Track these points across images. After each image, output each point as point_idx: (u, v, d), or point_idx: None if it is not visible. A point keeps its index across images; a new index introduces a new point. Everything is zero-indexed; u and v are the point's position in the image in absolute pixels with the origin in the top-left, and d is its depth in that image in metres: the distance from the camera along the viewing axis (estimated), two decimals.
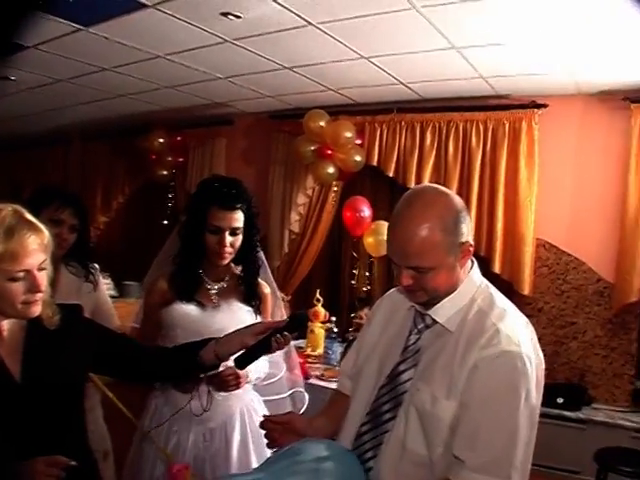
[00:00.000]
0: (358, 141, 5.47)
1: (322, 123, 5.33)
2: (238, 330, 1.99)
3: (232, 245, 2.54)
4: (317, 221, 5.93)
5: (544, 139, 4.94)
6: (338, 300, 5.78)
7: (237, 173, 6.38)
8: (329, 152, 5.34)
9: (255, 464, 2.59)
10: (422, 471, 1.67)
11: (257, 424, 2.62)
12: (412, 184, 5.30)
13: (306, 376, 4.06)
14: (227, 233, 2.50)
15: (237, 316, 2.58)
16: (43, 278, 1.72)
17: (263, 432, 2.10)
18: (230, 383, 2.52)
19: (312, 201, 5.97)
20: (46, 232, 1.73)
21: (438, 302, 1.75)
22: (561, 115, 4.95)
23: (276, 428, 1.97)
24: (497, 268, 4.96)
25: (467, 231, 1.72)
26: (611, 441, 4.22)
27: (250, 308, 2.69)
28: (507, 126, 5.01)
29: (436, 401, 1.64)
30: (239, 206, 2.53)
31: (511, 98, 5.08)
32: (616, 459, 3.92)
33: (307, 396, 3.12)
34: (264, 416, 2.05)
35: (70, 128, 7.41)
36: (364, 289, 5.20)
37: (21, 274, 1.66)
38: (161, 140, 6.59)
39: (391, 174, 5.49)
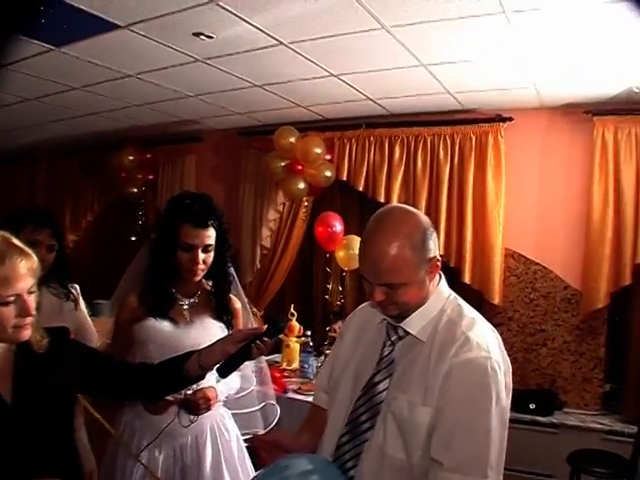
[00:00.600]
0: (328, 156, 5.54)
1: (292, 139, 5.39)
2: (219, 340, 2.01)
3: (204, 262, 2.55)
4: (288, 236, 5.97)
5: (510, 152, 5.06)
6: (311, 314, 5.82)
7: (207, 189, 6.36)
8: (299, 168, 5.39)
9: (228, 478, 2.65)
10: (402, 475, 1.74)
11: (227, 439, 2.73)
12: (382, 198, 5.42)
13: (283, 390, 4.14)
14: (200, 250, 2.51)
15: (210, 332, 2.58)
16: (33, 302, 1.74)
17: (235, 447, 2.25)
18: (201, 407, 2.55)
19: (283, 216, 6.01)
20: (34, 257, 1.76)
21: (409, 315, 1.83)
22: (526, 128, 5.08)
23: (265, 447, 2.02)
24: (467, 278, 5.07)
25: (434, 247, 1.80)
26: (583, 444, 4.34)
27: (222, 324, 2.71)
28: (474, 140, 5.13)
29: (413, 407, 1.72)
30: (211, 223, 2.54)
31: (477, 112, 5.20)
32: (588, 461, 4.05)
33: (278, 409, 3.14)
34: (254, 435, 2.08)
35: (37, 146, 7.34)
36: (337, 303, 5.25)
37: (12, 298, 1.68)
38: (131, 157, 6.58)
39: (361, 188, 5.57)
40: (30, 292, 1.73)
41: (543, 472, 4.69)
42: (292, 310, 4.72)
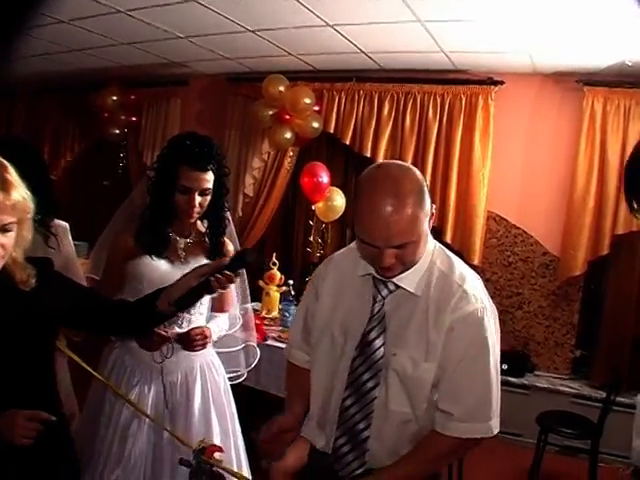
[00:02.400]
0: (316, 108, 5.51)
1: (281, 88, 5.34)
2: (185, 274, 1.97)
3: (201, 205, 2.53)
4: (272, 186, 5.99)
5: (499, 115, 5.10)
6: (291, 264, 5.85)
7: None
8: (287, 117, 5.35)
9: (215, 418, 2.68)
10: (409, 427, 1.81)
11: (216, 379, 2.75)
12: (368, 153, 5.46)
13: (264, 337, 4.17)
14: (197, 194, 2.49)
15: None
16: (9, 239, 1.66)
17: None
18: (198, 343, 2.56)
19: (267, 165, 6.01)
20: (16, 193, 1.63)
21: (406, 271, 1.80)
22: (517, 93, 5.11)
23: (270, 440, 1.96)
24: (448, 238, 5.15)
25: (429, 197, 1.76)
26: (552, 406, 4.48)
27: None
28: (464, 100, 5.16)
29: (417, 365, 1.75)
30: (210, 167, 2.51)
31: (469, 73, 5.21)
32: (556, 422, 4.18)
33: (259, 351, 3.14)
34: (261, 438, 2.00)
35: (17, 81, 7.18)
36: (317, 254, 5.28)
37: None
38: (114, 98, 6.49)
39: (348, 142, 5.58)
40: (3, 229, 1.63)
41: (513, 431, 4.82)
42: (274, 259, 4.73)
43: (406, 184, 1.68)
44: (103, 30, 5.04)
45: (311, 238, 5.28)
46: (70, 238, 3.07)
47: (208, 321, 2.73)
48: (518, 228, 5.21)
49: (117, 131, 6.76)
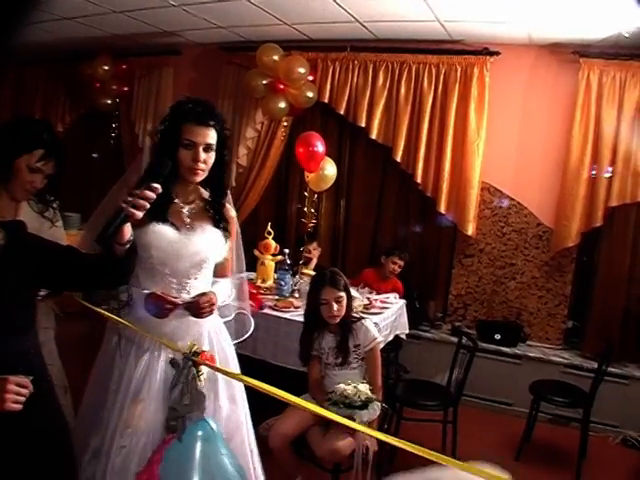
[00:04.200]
0: (310, 77, 5.52)
1: (275, 57, 5.35)
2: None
3: (205, 162, 2.53)
4: (265, 156, 5.99)
5: (494, 86, 5.12)
6: (284, 234, 5.87)
7: None
8: (281, 87, 5.37)
9: (222, 384, 2.68)
10: None
11: (223, 345, 2.79)
12: (362, 123, 5.50)
13: (260, 306, 4.17)
14: (201, 148, 2.49)
15: (210, 237, 2.62)
16: None
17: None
18: (205, 309, 2.58)
19: (261, 135, 6.01)
20: None
21: None
22: (512, 64, 5.13)
23: None
24: (443, 208, 5.19)
25: None
26: (543, 375, 4.56)
27: (220, 231, 2.69)
28: (459, 71, 5.19)
29: None
30: (212, 124, 2.51)
31: (465, 44, 5.22)
32: (549, 390, 4.25)
33: (252, 321, 3.14)
34: None
35: (6, 50, 7.11)
36: (311, 224, 5.29)
37: None
38: (106, 67, 6.47)
39: (342, 112, 5.61)
40: None
41: (504, 400, 4.95)
42: (269, 228, 4.72)
43: None
44: None
45: (305, 209, 5.29)
46: (59, 214, 3.10)
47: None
48: (512, 199, 5.25)
49: (109, 101, 6.75)
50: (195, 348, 2.00)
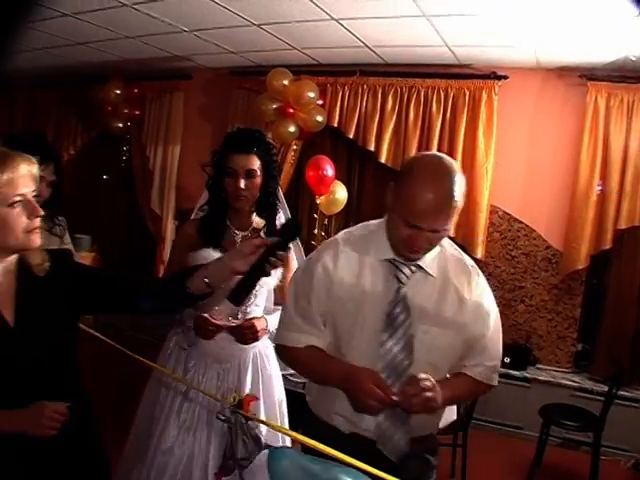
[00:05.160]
0: (320, 101, 5.56)
1: (285, 82, 5.39)
2: (225, 255, 1.94)
3: (247, 187, 2.61)
4: None
5: (503, 110, 5.16)
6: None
7: (195, 128, 6.46)
8: (291, 111, 5.41)
9: (262, 409, 2.75)
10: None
11: (267, 368, 2.88)
12: (372, 147, 5.53)
13: None
14: (242, 176, 2.59)
15: None
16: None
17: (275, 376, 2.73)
18: (247, 336, 2.68)
19: None
20: (35, 161, 1.77)
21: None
22: (520, 87, 5.17)
23: None
24: (452, 232, 5.17)
25: None
26: (553, 399, 4.56)
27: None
28: (467, 95, 5.23)
29: (447, 335, 1.97)
30: (254, 150, 2.63)
31: (473, 68, 5.27)
32: (559, 414, 4.25)
33: None
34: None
35: (19, 74, 7.19)
36: None
37: (18, 199, 1.69)
38: (117, 91, 6.54)
39: (351, 135, 5.65)
40: (33, 196, 1.74)
41: (514, 423, 4.94)
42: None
43: (457, 176, 1.85)
44: (107, 23, 5.06)
45: (315, 231, 5.33)
46: (67, 232, 3.17)
47: (269, 313, 2.80)
48: (521, 222, 5.28)
49: (120, 125, 6.80)
50: (237, 398, 2.03)
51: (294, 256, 2.92)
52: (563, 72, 5.03)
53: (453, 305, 1.97)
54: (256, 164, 2.64)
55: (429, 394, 1.84)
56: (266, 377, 2.85)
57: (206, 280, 1.82)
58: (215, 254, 2.57)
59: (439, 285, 1.99)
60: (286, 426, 2.83)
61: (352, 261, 2.02)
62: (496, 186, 5.22)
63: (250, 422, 1.87)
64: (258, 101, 5.62)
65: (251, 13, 4.55)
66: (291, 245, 2.01)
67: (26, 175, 1.72)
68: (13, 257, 1.80)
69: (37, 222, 1.75)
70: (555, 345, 5.19)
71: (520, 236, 5.29)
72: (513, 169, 5.26)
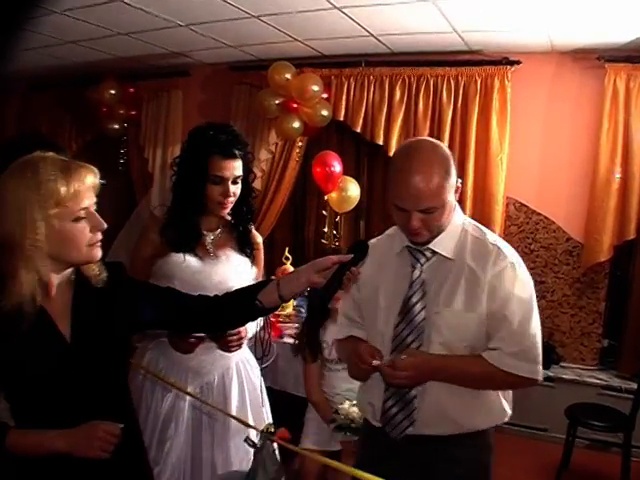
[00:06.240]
0: (324, 95, 5.54)
1: (288, 76, 5.37)
2: (299, 268, 2.03)
3: (234, 194, 2.60)
4: (280, 178, 6.01)
5: (516, 97, 5.12)
6: (303, 259, 5.84)
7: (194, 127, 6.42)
8: (295, 106, 5.39)
9: (251, 419, 2.74)
10: None
11: (252, 378, 2.86)
12: (380, 140, 5.50)
13: (279, 335, 4.25)
14: (230, 182, 2.56)
15: (236, 267, 2.69)
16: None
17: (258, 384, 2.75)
18: (234, 343, 2.65)
19: (275, 157, 6.04)
20: (97, 172, 1.79)
21: (435, 238, 2.11)
22: (534, 73, 5.13)
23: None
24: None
25: (456, 173, 2.09)
26: (579, 398, 4.53)
27: (246, 258, 2.77)
28: (479, 82, 5.19)
29: (458, 316, 2.07)
30: (238, 153, 2.58)
31: (484, 54, 5.24)
32: (586, 414, 4.22)
33: (275, 347, 3.31)
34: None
35: (10, 76, 7.21)
36: (332, 247, 5.32)
37: (83, 212, 1.70)
38: (112, 91, 6.51)
39: (358, 130, 5.62)
40: (94, 209, 1.77)
41: (538, 425, 4.93)
42: (287, 254, 4.76)
43: (435, 156, 2.04)
44: (99, 20, 5.02)
45: (325, 229, 5.33)
46: None
47: None
48: (539, 214, 5.25)
49: (116, 126, 6.78)
50: (270, 428, 2.17)
51: (262, 257, 2.94)
52: (579, 55, 4.99)
53: (466, 285, 2.08)
54: (240, 168, 2.61)
55: (400, 373, 2.03)
56: (251, 387, 2.84)
57: (280, 294, 1.95)
58: (190, 259, 2.60)
59: (455, 267, 2.11)
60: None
61: (377, 253, 2.20)
62: (512, 177, 5.19)
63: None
64: (260, 97, 5.61)
65: (249, 4, 4.51)
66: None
67: (90, 187, 1.74)
68: (71, 269, 1.82)
69: (99, 235, 1.78)
70: (579, 342, 5.17)
71: (539, 228, 5.26)
72: (529, 158, 5.24)
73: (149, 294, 2.01)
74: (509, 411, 2.28)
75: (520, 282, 2.09)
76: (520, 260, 2.14)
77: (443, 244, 2.12)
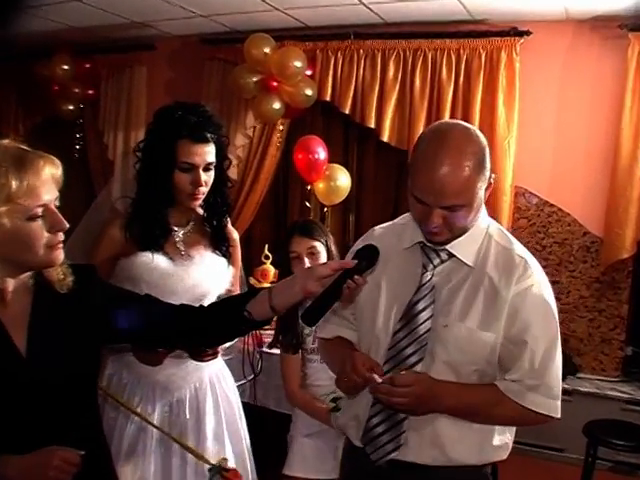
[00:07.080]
0: (308, 72, 5.40)
1: (266, 50, 5.19)
2: (294, 275, 1.93)
3: (206, 183, 2.52)
4: (259, 166, 5.87)
5: (526, 72, 4.96)
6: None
7: None
8: (274, 84, 5.22)
9: (228, 440, 2.73)
10: None
11: (227, 393, 2.83)
12: (372, 123, 5.38)
13: (259, 343, 4.10)
14: (201, 170, 2.48)
15: (211, 268, 2.64)
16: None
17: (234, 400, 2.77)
18: (208, 352, 2.60)
19: (253, 142, 5.90)
20: (58, 162, 1.71)
21: (455, 239, 1.97)
22: (546, 45, 4.98)
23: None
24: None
25: (490, 165, 1.92)
26: (599, 414, 4.37)
27: (222, 257, 2.72)
28: (484, 56, 5.02)
29: (472, 334, 1.91)
30: (210, 137, 2.50)
31: (489, 24, 5.09)
32: (607, 432, 4.05)
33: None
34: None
35: None
36: None
37: (40, 210, 1.63)
38: (66, 67, 6.30)
39: (347, 111, 5.49)
40: (56, 206, 1.70)
41: (553, 445, 4.78)
42: (266, 252, 4.59)
43: (469, 145, 1.85)
44: None
45: None
46: None
47: None
48: (552, 205, 5.08)
49: (71, 107, 6.59)
50: (224, 464, 2.13)
51: (239, 255, 2.95)
52: (598, 23, 4.80)
53: (484, 299, 1.94)
54: (213, 153, 2.53)
55: (400, 389, 1.86)
56: (227, 404, 2.81)
57: (273, 305, 1.84)
58: (159, 259, 2.53)
59: (473, 276, 1.97)
60: (248, 446, 2.89)
61: (382, 244, 2.02)
62: (521, 163, 5.02)
63: None
64: (235, 74, 5.40)
65: None
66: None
67: (49, 180, 1.67)
68: (29, 272, 1.77)
69: (61, 236, 1.71)
70: (599, 350, 5.00)
71: (552, 222, 5.09)
72: (540, 142, 5.07)
73: (124, 302, 1.93)
74: (510, 444, 2.16)
75: (546, 305, 1.96)
76: (546, 279, 2.02)
77: (463, 248, 1.98)
